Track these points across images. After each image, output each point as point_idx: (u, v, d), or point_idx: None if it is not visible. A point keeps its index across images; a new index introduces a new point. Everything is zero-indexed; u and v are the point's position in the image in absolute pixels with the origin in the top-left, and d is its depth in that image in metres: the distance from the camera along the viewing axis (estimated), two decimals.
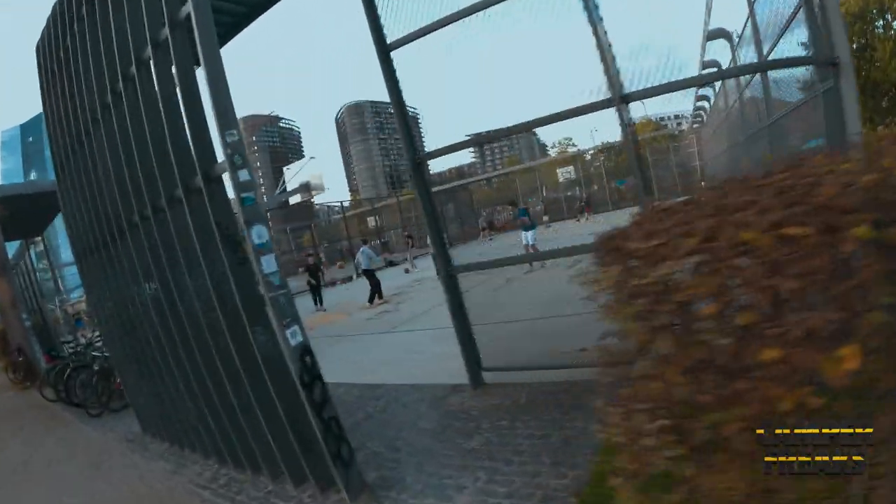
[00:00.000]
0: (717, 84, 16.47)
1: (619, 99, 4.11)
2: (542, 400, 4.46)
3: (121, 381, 6.48)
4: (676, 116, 54.29)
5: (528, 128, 4.41)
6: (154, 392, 5.12)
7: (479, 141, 4.71)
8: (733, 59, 12.77)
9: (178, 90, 3.63)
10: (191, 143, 3.44)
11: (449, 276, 4.93)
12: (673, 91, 4.46)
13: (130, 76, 4.17)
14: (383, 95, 4.90)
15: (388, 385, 5.66)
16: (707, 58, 16.07)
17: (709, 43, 14.45)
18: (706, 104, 20.99)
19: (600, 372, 1.88)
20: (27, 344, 11.70)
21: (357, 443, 4.00)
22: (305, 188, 23.40)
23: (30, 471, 5.67)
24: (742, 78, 11.83)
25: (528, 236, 12.47)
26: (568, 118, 4.25)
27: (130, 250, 4.49)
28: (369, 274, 12.72)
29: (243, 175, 3.03)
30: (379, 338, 8.50)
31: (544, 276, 7.34)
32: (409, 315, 9.93)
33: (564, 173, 30.98)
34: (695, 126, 27.51)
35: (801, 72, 6.71)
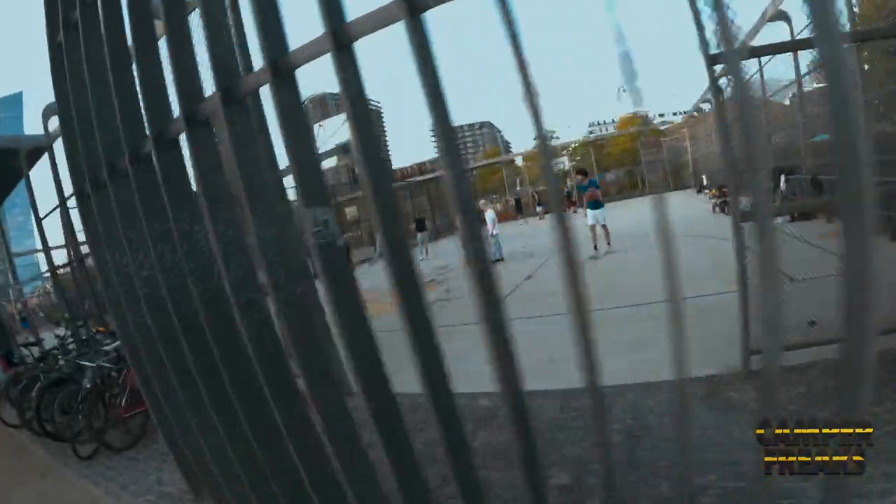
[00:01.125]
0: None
1: None
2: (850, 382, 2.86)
3: (148, 404, 3.91)
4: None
5: None
6: (245, 428, 2.75)
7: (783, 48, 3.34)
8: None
9: None
10: None
11: (738, 225, 3.64)
12: None
13: None
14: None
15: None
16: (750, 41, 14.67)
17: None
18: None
19: None
20: None
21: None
22: (343, 150, 18.72)
23: None
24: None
25: (596, 215, 10.40)
26: None
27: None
28: None
29: None
30: (472, 329, 6.32)
31: None
32: None
33: (557, 164, 29.28)
34: (690, 120, 26.43)
35: None
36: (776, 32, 12.39)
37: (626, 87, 1.50)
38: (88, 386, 5.11)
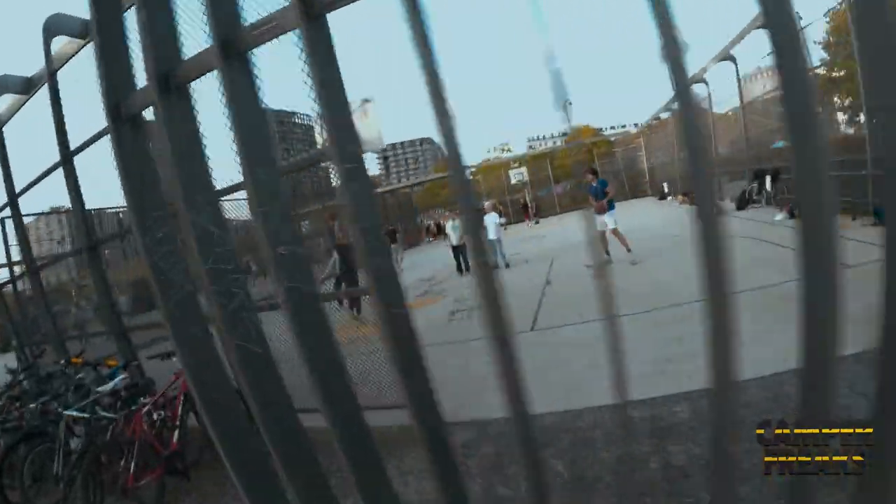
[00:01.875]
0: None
1: None
2: None
3: (227, 459, 2.17)
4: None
5: None
6: None
7: None
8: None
9: None
10: None
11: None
12: None
13: None
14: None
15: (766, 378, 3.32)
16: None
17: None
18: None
19: None
20: None
21: None
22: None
23: None
24: None
25: (605, 220, 9.45)
26: None
27: None
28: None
29: None
30: (542, 338, 5.33)
31: None
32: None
33: (516, 174, 28.70)
34: (646, 130, 26.79)
35: None
36: (764, 40, 12.38)
37: (569, 100, 1.37)
38: (80, 446, 3.59)
